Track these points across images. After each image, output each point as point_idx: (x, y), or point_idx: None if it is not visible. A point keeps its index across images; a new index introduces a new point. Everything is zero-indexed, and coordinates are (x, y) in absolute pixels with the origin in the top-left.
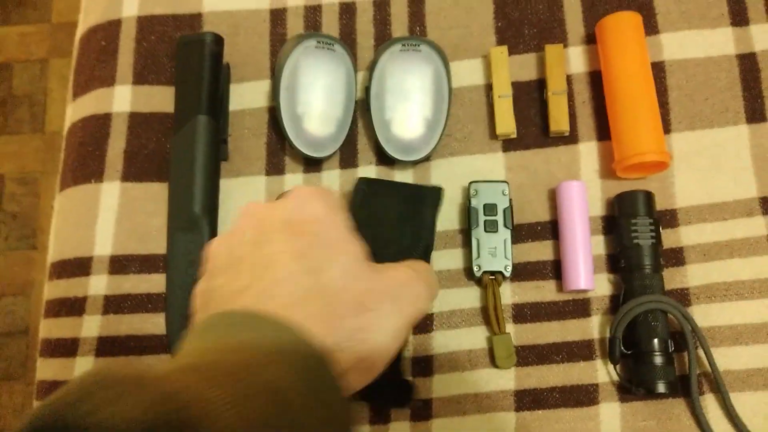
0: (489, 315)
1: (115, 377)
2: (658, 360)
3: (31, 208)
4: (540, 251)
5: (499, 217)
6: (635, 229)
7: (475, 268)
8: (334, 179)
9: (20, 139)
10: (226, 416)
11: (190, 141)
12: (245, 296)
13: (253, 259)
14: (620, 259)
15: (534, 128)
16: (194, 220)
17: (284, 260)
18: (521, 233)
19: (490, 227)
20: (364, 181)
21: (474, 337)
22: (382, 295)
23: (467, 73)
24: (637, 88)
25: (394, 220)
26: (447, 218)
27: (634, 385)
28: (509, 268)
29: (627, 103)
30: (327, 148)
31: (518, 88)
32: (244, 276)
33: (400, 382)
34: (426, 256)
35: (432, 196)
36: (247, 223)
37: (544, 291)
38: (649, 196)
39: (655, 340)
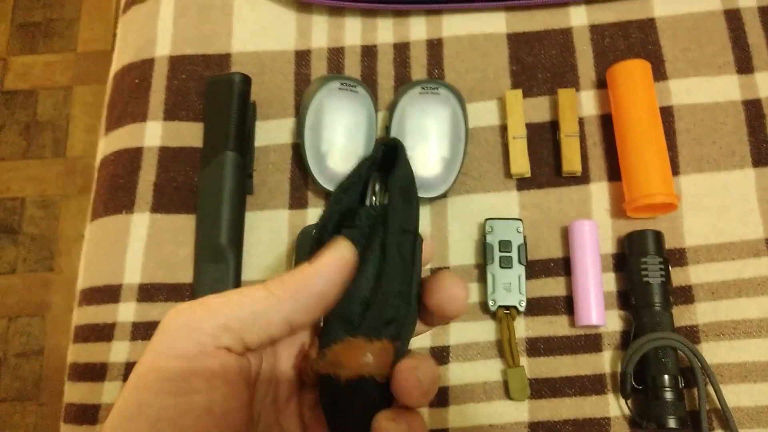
0: (504, 348)
1: None
2: (669, 395)
3: (50, 230)
4: (553, 287)
5: (514, 254)
6: (645, 268)
7: (490, 303)
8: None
9: (42, 164)
10: None
11: (218, 176)
12: None
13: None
14: (631, 296)
15: (547, 168)
16: (220, 251)
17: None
18: (535, 269)
19: (505, 263)
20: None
21: (489, 370)
22: None
23: (483, 114)
24: (646, 132)
25: None
26: (463, 253)
27: (646, 420)
28: (523, 303)
29: (637, 146)
30: None
31: (532, 129)
32: None
33: None
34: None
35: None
36: None
37: (556, 326)
38: (658, 236)
39: (666, 376)
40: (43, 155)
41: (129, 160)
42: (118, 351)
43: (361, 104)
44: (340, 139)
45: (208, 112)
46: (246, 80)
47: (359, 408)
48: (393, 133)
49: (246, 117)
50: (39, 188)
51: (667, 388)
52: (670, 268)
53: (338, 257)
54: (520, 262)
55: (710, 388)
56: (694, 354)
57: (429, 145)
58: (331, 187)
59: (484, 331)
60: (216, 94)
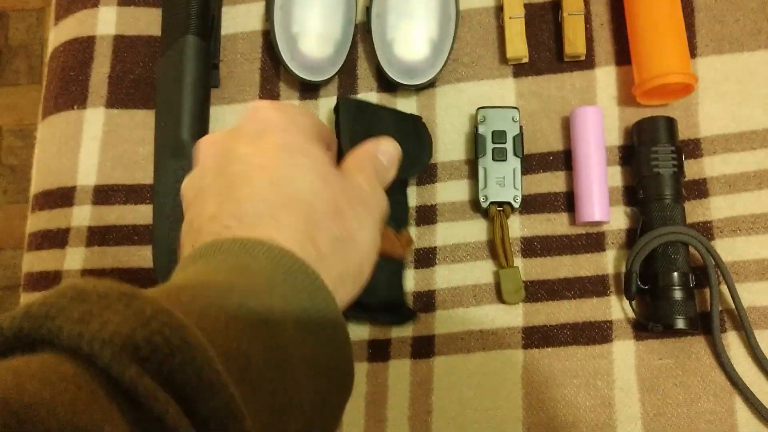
0: (496, 248)
1: (99, 291)
2: (678, 294)
3: (30, 160)
4: (552, 182)
5: (509, 145)
6: (656, 157)
7: (481, 199)
8: (333, 106)
9: (17, 91)
10: (220, 343)
11: (178, 63)
12: (214, 224)
13: (217, 184)
14: (638, 189)
15: (547, 52)
16: (183, 147)
17: (245, 176)
18: (532, 163)
19: (499, 155)
20: (351, 102)
21: (480, 272)
22: (353, 198)
23: None
24: (661, 6)
25: (394, 135)
26: (452, 147)
27: (652, 321)
28: (518, 199)
29: (650, 22)
30: (324, 72)
31: (531, 9)
32: (210, 204)
33: (400, 303)
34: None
35: (421, 122)
36: (207, 153)
37: (555, 224)
38: (671, 122)
39: (675, 274)
40: (17, 82)
41: (80, 50)
42: (74, 258)
43: None
44: (315, 21)
45: None
46: None
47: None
48: (374, 13)
49: None
50: (16, 117)
51: (676, 287)
52: (683, 158)
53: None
54: (515, 154)
55: (724, 288)
56: (708, 250)
57: (414, 25)
58: (304, 75)
59: (475, 230)
60: None
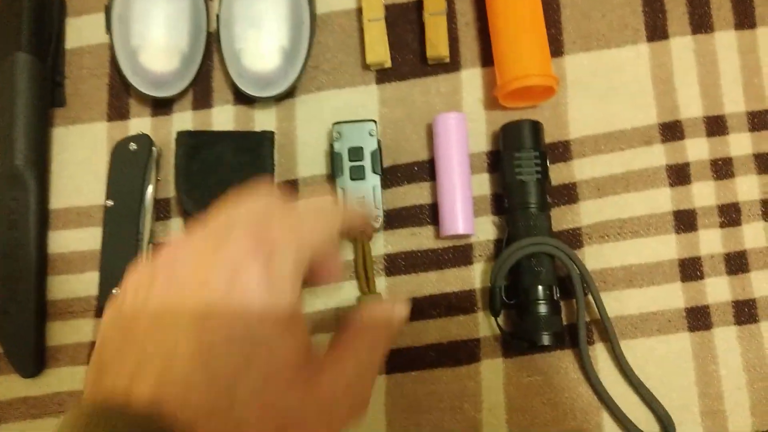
0: (358, 272)
1: None
2: (543, 309)
3: None
4: (417, 194)
5: (366, 162)
6: (519, 164)
7: None
8: (187, 122)
9: None
10: None
11: (9, 83)
12: (133, 385)
13: (146, 336)
14: (504, 198)
15: (411, 55)
16: (16, 175)
17: (185, 354)
18: (396, 175)
19: (356, 174)
20: (185, 134)
21: (343, 295)
22: (311, 417)
23: None
24: (520, 6)
25: (231, 166)
26: (313, 162)
27: (517, 338)
28: (379, 219)
29: (509, 22)
30: (172, 87)
31: (394, 9)
32: (129, 358)
33: None
34: None
35: (267, 140)
36: (159, 269)
37: (420, 238)
38: (535, 126)
39: (539, 287)
40: None
41: None
42: None
43: None
44: (156, 32)
45: None
46: None
47: None
48: (222, 22)
49: (46, 11)
50: None
51: (540, 301)
52: (548, 163)
53: None
54: (374, 171)
55: (591, 298)
56: (572, 259)
57: (262, 33)
58: (149, 91)
59: None
60: None
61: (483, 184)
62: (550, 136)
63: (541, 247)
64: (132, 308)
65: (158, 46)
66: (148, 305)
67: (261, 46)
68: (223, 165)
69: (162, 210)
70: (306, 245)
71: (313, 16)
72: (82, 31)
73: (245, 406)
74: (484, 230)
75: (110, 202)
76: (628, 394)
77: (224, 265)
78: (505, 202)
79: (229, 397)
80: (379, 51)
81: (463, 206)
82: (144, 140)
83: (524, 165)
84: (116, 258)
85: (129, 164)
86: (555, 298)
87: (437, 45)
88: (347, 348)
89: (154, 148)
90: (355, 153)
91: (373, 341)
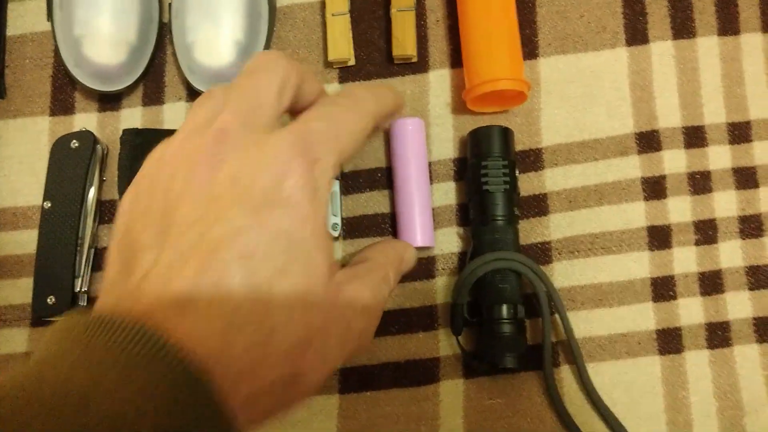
0: None
1: None
2: (506, 329)
3: None
4: (379, 202)
5: None
6: (485, 173)
7: None
8: (137, 119)
9: None
10: None
11: None
12: (142, 292)
13: (185, 225)
14: (470, 208)
15: (377, 54)
16: None
17: (221, 250)
18: (359, 181)
19: None
20: (131, 132)
21: None
22: (331, 328)
23: None
24: (491, 6)
25: None
26: None
27: (478, 360)
28: (338, 227)
29: (479, 20)
30: (119, 81)
31: (360, 4)
32: (149, 251)
33: None
34: None
35: None
36: (208, 143)
37: None
38: (504, 133)
39: (504, 306)
40: None
41: None
42: None
43: None
44: (102, 21)
45: None
46: None
47: None
48: (174, 11)
49: None
50: None
51: (504, 321)
52: (517, 173)
53: None
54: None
55: (558, 317)
56: (539, 277)
57: (216, 25)
58: (93, 85)
59: None
60: None
61: (449, 193)
62: (521, 144)
63: (506, 263)
64: (169, 185)
65: (104, 36)
66: (192, 187)
67: (214, 39)
68: None
69: (107, 213)
70: (345, 153)
71: (272, 8)
72: (24, 17)
73: (280, 311)
74: (448, 242)
75: (48, 204)
76: (593, 421)
77: (271, 166)
78: (471, 213)
79: (264, 303)
80: (342, 48)
81: (422, 217)
82: (87, 137)
83: (491, 174)
84: (52, 264)
85: (70, 163)
86: (520, 317)
87: (404, 43)
88: (364, 275)
89: (98, 146)
90: None
91: (386, 274)
